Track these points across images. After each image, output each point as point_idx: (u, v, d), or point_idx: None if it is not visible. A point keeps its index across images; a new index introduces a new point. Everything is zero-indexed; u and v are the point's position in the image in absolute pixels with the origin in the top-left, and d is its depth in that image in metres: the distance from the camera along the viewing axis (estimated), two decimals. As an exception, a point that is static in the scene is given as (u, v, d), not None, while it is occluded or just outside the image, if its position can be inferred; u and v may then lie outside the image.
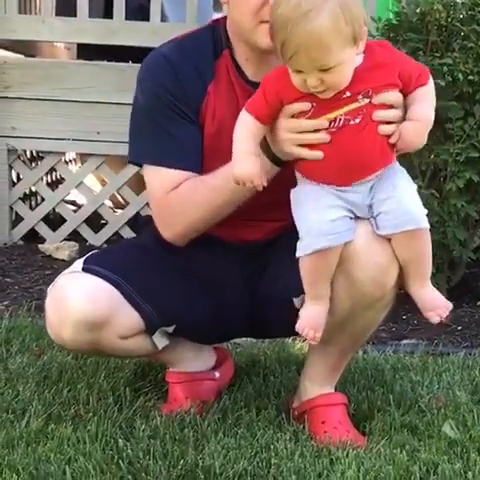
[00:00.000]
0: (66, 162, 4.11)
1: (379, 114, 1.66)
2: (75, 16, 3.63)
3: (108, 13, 3.90)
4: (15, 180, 3.73)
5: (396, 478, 1.69)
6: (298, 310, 1.81)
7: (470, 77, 2.78)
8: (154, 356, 2.02)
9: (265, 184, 1.70)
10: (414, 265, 1.75)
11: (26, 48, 3.93)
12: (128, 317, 1.86)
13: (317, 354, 1.95)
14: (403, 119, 1.69)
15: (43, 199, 3.74)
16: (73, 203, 4.17)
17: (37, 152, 3.80)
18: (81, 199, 4.06)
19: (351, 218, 1.72)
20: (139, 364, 2.24)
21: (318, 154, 1.68)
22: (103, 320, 1.81)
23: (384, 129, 1.67)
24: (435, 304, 1.78)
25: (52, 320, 1.85)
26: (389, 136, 1.68)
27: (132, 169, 3.54)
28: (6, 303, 2.87)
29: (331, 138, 1.66)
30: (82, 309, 1.79)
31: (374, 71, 1.65)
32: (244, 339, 2.52)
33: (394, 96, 1.67)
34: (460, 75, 2.76)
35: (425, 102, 1.69)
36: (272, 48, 1.69)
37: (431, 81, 1.71)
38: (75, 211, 3.82)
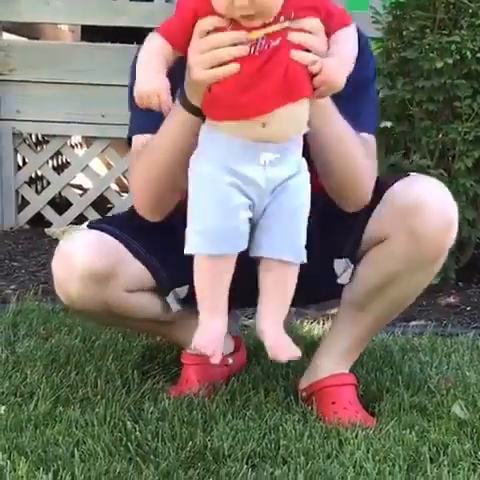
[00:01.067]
0: (72, 146, 4.09)
1: (296, 36, 1.49)
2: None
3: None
4: (21, 164, 3.72)
5: (405, 459, 1.68)
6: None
7: (478, 55, 2.75)
8: (172, 334, 2.00)
9: (170, 105, 1.49)
10: (278, 300, 1.60)
11: (30, 31, 3.91)
12: (135, 270, 1.84)
13: (346, 324, 1.93)
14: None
15: (49, 183, 3.73)
16: (79, 187, 4.16)
17: (42, 136, 3.78)
18: (86, 183, 4.05)
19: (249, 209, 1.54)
20: (147, 347, 2.24)
21: (234, 66, 1.45)
22: (108, 271, 1.79)
23: (299, 54, 1.49)
24: (283, 350, 1.60)
25: (59, 277, 1.83)
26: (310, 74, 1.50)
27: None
28: (13, 287, 2.87)
29: (248, 67, 1.45)
30: (87, 261, 1.77)
31: None
32: (252, 321, 2.52)
33: (313, 22, 1.51)
34: (468, 53, 2.73)
35: (346, 43, 1.54)
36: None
37: (354, 24, 1.57)
38: (81, 195, 3.81)
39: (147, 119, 1.74)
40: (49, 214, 3.66)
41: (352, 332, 1.94)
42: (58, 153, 3.81)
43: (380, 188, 1.85)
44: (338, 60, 1.53)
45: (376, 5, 2.99)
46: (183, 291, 1.91)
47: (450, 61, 2.71)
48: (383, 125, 2.75)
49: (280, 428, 1.79)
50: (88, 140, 3.86)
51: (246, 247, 1.56)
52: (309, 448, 1.71)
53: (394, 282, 1.84)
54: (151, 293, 1.90)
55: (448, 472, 1.63)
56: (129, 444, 1.68)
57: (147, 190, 1.76)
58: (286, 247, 1.56)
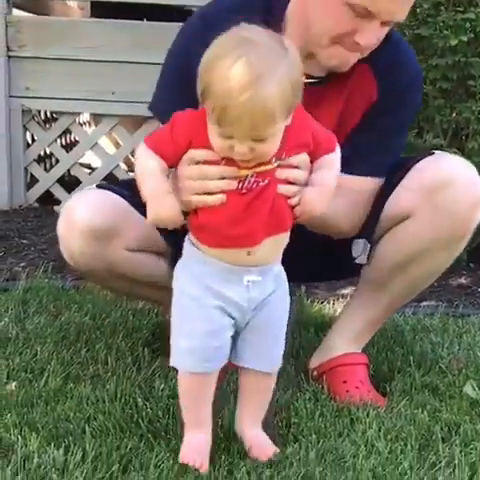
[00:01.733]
0: (81, 124, 4.07)
1: (283, 173, 1.53)
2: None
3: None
4: (30, 142, 3.70)
5: (417, 438, 1.68)
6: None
7: (494, 33, 2.72)
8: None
9: (184, 221, 1.52)
10: (257, 403, 1.64)
11: (39, 7, 3.87)
12: (137, 227, 1.83)
13: (363, 303, 1.92)
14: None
15: (58, 161, 3.71)
16: (88, 166, 4.14)
17: (51, 113, 3.76)
18: (95, 162, 4.04)
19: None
20: (157, 325, 2.23)
21: (220, 197, 1.49)
22: (109, 228, 1.80)
23: (284, 188, 1.52)
24: (263, 450, 1.60)
25: (62, 235, 1.85)
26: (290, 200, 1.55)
27: (147, 129, 3.50)
28: (23, 264, 2.87)
29: (235, 202, 1.50)
30: (87, 218, 1.79)
31: (289, 134, 1.51)
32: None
33: (301, 158, 1.55)
34: (483, 30, 2.70)
35: (330, 170, 1.57)
36: (332, 69, 1.68)
37: (338, 148, 1.60)
38: (90, 173, 3.80)
39: (162, 99, 1.80)
40: (58, 192, 3.65)
41: (367, 313, 1.93)
42: (67, 131, 3.79)
43: (401, 166, 1.84)
44: (318, 190, 1.55)
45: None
46: None
47: (464, 39, 2.68)
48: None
49: (291, 407, 1.79)
50: (97, 118, 3.84)
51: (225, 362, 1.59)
52: (320, 427, 1.71)
53: (417, 260, 1.82)
54: (154, 255, 1.90)
55: (460, 452, 1.63)
56: (140, 421, 1.68)
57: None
58: (265, 360, 1.62)
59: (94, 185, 1.93)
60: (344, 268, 1.96)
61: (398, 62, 1.82)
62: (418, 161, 1.83)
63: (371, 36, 1.68)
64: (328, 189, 1.56)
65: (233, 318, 1.57)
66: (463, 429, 1.71)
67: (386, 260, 1.87)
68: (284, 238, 1.58)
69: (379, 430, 1.70)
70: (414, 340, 2.20)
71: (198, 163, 1.50)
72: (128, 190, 1.85)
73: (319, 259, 1.97)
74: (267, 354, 1.63)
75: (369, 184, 1.84)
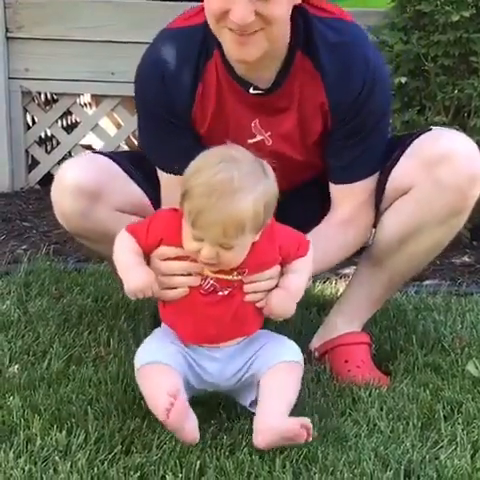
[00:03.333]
0: (81, 105, 4.05)
1: (251, 287, 1.62)
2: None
3: None
4: (30, 123, 3.68)
5: (420, 417, 1.68)
6: None
7: (496, 8, 2.68)
8: None
9: (160, 293, 1.62)
10: (281, 394, 1.60)
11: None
12: (126, 190, 1.89)
13: (363, 281, 1.94)
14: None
15: (59, 143, 3.70)
16: (89, 147, 4.12)
17: (51, 94, 3.74)
18: (96, 144, 4.02)
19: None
20: (159, 306, 2.23)
21: (183, 290, 1.61)
22: (96, 186, 1.84)
23: (250, 297, 1.62)
24: (295, 433, 1.53)
25: (54, 195, 1.91)
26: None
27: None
28: (24, 247, 2.86)
29: (196, 300, 1.61)
30: (77, 176, 1.85)
31: (254, 253, 1.58)
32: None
33: (267, 274, 1.63)
34: (485, 6, 2.66)
35: (298, 273, 1.65)
36: (243, 62, 1.68)
37: (310, 252, 1.66)
38: (91, 154, 3.78)
39: (153, 146, 1.88)
40: (59, 174, 3.64)
41: (368, 291, 1.93)
42: (68, 113, 3.76)
43: (403, 141, 1.84)
44: (284, 294, 1.63)
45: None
46: None
47: (467, 14, 2.65)
48: (397, 81, 2.69)
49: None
50: (97, 99, 3.81)
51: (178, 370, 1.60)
52: (323, 406, 1.71)
53: (415, 236, 1.82)
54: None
55: (462, 430, 1.63)
56: (142, 402, 1.68)
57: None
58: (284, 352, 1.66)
59: (89, 151, 1.99)
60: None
61: (346, 67, 1.74)
62: (418, 136, 1.83)
63: (243, 10, 1.59)
64: (295, 293, 1.65)
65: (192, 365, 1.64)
66: (465, 408, 1.71)
67: (385, 236, 1.87)
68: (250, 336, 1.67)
69: (381, 409, 1.70)
70: (417, 319, 2.19)
71: (167, 259, 1.61)
72: (119, 155, 1.94)
73: None
74: (281, 347, 1.66)
75: (363, 188, 1.85)
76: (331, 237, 1.83)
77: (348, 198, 1.84)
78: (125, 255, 1.63)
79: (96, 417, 1.64)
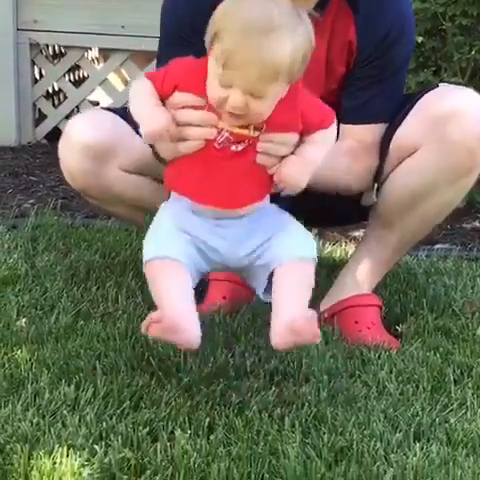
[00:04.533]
0: (91, 60, 3.99)
1: (265, 146, 1.50)
2: None
3: None
4: (38, 77, 3.64)
5: (429, 380, 1.67)
6: None
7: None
8: None
9: (179, 134, 1.50)
10: (296, 294, 1.53)
11: None
12: (134, 148, 1.83)
13: (372, 243, 1.91)
14: None
15: (66, 97, 3.65)
16: (96, 104, 4.07)
17: (59, 47, 3.69)
18: (103, 100, 3.97)
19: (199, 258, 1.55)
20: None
21: (198, 143, 1.49)
22: (104, 145, 1.83)
23: (262, 159, 1.51)
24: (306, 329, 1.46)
25: (61, 152, 1.89)
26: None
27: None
28: (31, 201, 2.84)
29: (210, 154, 1.50)
30: (84, 134, 1.83)
31: (278, 110, 1.48)
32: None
33: (284, 138, 1.52)
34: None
35: (316, 145, 1.54)
36: None
37: (333, 127, 1.56)
38: (99, 110, 3.74)
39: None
40: (67, 129, 3.60)
41: (377, 253, 1.91)
42: (76, 67, 3.71)
43: (411, 99, 1.81)
44: (298, 162, 1.52)
45: None
46: None
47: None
48: (413, 40, 2.64)
49: (302, 347, 1.77)
50: (105, 54, 3.76)
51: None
52: (332, 367, 1.70)
53: (425, 196, 1.80)
54: (150, 179, 1.90)
55: (472, 394, 1.63)
56: (151, 359, 1.67)
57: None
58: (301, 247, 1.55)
59: (99, 107, 1.94)
60: (353, 211, 1.95)
61: (379, 10, 1.76)
62: (425, 94, 1.80)
63: None
64: (309, 162, 1.53)
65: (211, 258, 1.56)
66: (475, 372, 1.70)
67: (394, 196, 1.84)
68: (259, 204, 1.56)
69: (391, 372, 1.69)
70: (427, 283, 2.18)
71: (181, 108, 1.49)
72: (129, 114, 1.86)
73: (326, 203, 1.94)
74: (298, 240, 1.55)
75: (371, 132, 1.82)
76: (337, 156, 1.74)
77: (355, 137, 1.82)
78: (141, 98, 1.52)
79: (104, 372, 1.63)
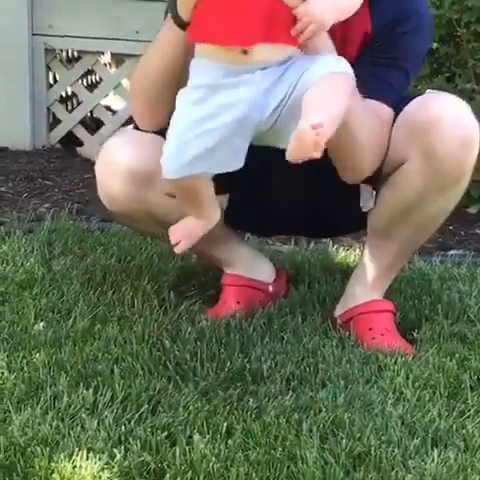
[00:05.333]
0: (105, 64, 4.01)
1: None
2: None
3: None
4: (52, 82, 3.66)
5: (446, 386, 1.67)
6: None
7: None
8: (210, 252, 1.98)
9: None
10: (325, 106, 1.47)
11: None
12: None
13: (374, 251, 1.91)
14: None
15: (79, 102, 3.67)
16: (108, 108, 4.09)
17: (73, 53, 3.71)
18: (116, 105, 3.99)
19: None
20: (183, 268, 2.22)
21: None
22: (151, 170, 1.76)
23: None
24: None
25: (101, 177, 1.85)
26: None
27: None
28: (47, 205, 2.85)
29: None
30: (130, 159, 1.79)
31: None
32: (286, 246, 2.49)
33: None
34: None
35: None
36: None
37: None
38: (113, 115, 3.75)
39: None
40: (81, 133, 3.61)
41: (380, 260, 1.91)
42: (90, 71, 3.73)
43: (399, 109, 1.78)
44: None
45: None
46: (223, 201, 1.87)
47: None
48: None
49: (318, 352, 1.78)
50: (120, 58, 3.78)
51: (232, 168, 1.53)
52: (348, 373, 1.71)
53: (416, 206, 1.79)
54: None
55: (489, 400, 1.63)
56: (168, 363, 1.68)
57: (141, 97, 1.78)
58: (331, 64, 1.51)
59: (131, 126, 1.90)
60: (356, 220, 1.94)
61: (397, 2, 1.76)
62: (409, 102, 1.77)
63: None
64: (341, 3, 1.51)
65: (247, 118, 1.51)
66: (492, 378, 1.71)
67: (387, 207, 1.84)
68: (284, 49, 1.51)
69: (407, 378, 1.70)
70: (442, 289, 2.18)
71: None
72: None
73: (329, 212, 1.94)
74: (327, 61, 1.52)
75: (386, 111, 1.77)
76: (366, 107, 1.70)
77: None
78: None
79: (122, 376, 1.64)
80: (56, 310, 1.94)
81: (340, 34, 1.72)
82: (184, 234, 1.65)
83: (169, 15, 1.65)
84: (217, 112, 1.52)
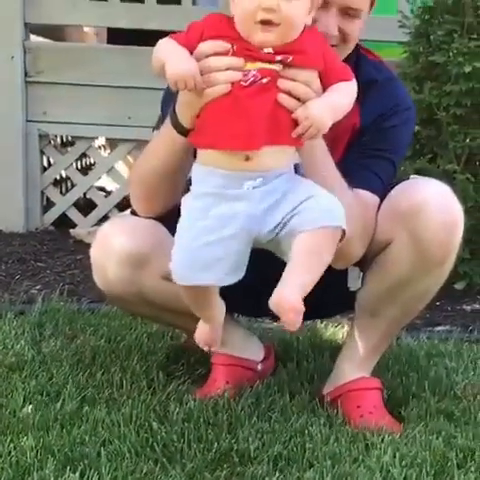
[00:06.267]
0: (98, 147, 4.11)
1: (286, 83, 1.54)
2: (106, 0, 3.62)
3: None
4: (46, 165, 3.74)
5: (432, 464, 1.67)
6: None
7: (507, 59, 2.73)
8: None
9: (204, 85, 1.52)
10: (306, 268, 1.55)
11: (55, 33, 3.93)
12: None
13: (362, 329, 1.93)
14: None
15: (73, 185, 3.75)
16: (102, 189, 4.17)
17: (67, 137, 3.81)
18: (109, 185, 4.07)
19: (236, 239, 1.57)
20: (172, 348, 2.24)
21: (225, 86, 1.51)
22: (146, 253, 1.80)
23: (284, 98, 1.53)
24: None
25: (96, 260, 1.87)
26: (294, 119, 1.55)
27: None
28: (38, 287, 2.89)
29: (237, 94, 1.52)
30: (123, 243, 1.81)
31: (303, 44, 1.54)
32: (275, 324, 2.51)
33: (308, 75, 1.55)
34: (496, 58, 2.72)
35: (340, 92, 1.58)
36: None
37: (354, 81, 1.61)
38: (105, 196, 3.83)
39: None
40: (74, 215, 3.68)
41: (368, 338, 1.94)
42: (84, 155, 3.83)
43: (384, 194, 1.83)
44: (324, 103, 1.56)
45: (404, 9, 2.98)
46: None
47: (478, 65, 2.70)
48: (409, 129, 2.73)
49: (306, 431, 1.78)
50: (113, 142, 3.88)
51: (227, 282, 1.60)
52: (335, 452, 1.71)
53: (402, 286, 1.83)
54: None
55: (475, 478, 1.63)
56: (155, 445, 1.68)
57: (139, 187, 1.83)
58: (326, 216, 1.56)
59: (128, 211, 1.96)
60: (343, 301, 1.97)
61: (382, 92, 1.84)
62: (393, 187, 1.83)
63: (330, 23, 1.70)
64: (335, 106, 1.56)
65: (243, 229, 1.56)
66: (478, 455, 1.70)
67: (374, 287, 1.88)
68: (287, 151, 1.57)
69: (394, 456, 1.69)
70: (429, 365, 2.19)
71: (207, 57, 1.53)
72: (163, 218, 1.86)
73: (317, 295, 1.98)
74: (324, 209, 1.56)
75: (372, 201, 1.83)
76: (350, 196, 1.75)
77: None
78: (168, 48, 1.54)
79: (109, 459, 1.63)
80: (45, 392, 1.94)
81: (330, 130, 1.80)
82: (206, 340, 1.75)
83: (168, 121, 1.68)
84: (220, 224, 1.56)
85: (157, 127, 1.86)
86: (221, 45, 1.54)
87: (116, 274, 1.83)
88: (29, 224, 3.61)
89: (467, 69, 2.73)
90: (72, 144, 3.76)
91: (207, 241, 1.56)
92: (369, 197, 1.82)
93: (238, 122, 1.52)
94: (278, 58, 1.53)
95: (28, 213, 3.61)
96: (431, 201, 1.77)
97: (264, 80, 1.53)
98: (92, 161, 4.07)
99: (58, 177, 3.80)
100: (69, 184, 3.88)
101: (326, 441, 1.75)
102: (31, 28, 3.65)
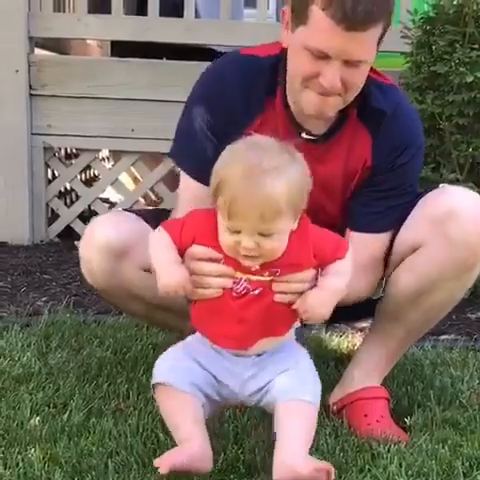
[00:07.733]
0: (102, 159, 4.13)
1: (280, 286, 1.60)
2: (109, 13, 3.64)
3: (141, 12, 3.92)
4: (51, 178, 3.76)
5: (439, 473, 1.67)
6: None
7: (509, 69, 2.75)
8: (189, 329, 2.01)
9: (193, 292, 1.62)
10: (299, 435, 1.60)
11: (59, 46, 3.96)
12: None
13: (378, 335, 1.95)
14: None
15: (78, 197, 3.77)
16: (106, 201, 4.19)
17: (72, 149, 3.83)
18: (114, 197, 4.09)
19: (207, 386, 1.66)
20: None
21: (216, 291, 1.60)
22: (126, 242, 1.86)
23: (279, 298, 1.61)
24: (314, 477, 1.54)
25: (82, 253, 1.94)
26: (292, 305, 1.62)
27: (167, 166, 3.56)
28: (45, 299, 2.90)
29: (229, 303, 1.60)
30: (106, 234, 1.87)
31: (291, 253, 1.58)
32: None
33: (299, 276, 1.61)
34: (498, 68, 2.73)
35: (337, 276, 1.63)
36: (313, 117, 1.75)
37: (349, 254, 1.64)
38: (109, 208, 3.84)
39: (184, 147, 1.88)
40: (79, 227, 3.69)
41: (384, 344, 1.95)
42: (88, 167, 3.84)
43: (414, 199, 1.88)
44: (323, 295, 1.61)
45: (406, 20, 3.00)
46: None
47: (480, 75, 2.72)
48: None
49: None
50: (116, 154, 3.90)
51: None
52: (342, 462, 1.71)
53: (429, 292, 1.85)
54: None
55: (482, 487, 1.63)
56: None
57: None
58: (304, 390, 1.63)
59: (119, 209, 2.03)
60: (360, 308, 1.98)
61: (397, 136, 1.85)
62: (426, 193, 1.88)
63: (333, 77, 1.70)
64: (333, 294, 1.62)
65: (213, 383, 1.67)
66: (485, 464, 1.71)
67: (399, 291, 1.90)
68: (281, 339, 1.64)
69: (400, 465, 1.70)
70: (434, 374, 2.20)
71: (199, 259, 1.60)
72: (152, 216, 1.93)
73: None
74: (303, 382, 1.64)
75: (382, 242, 1.89)
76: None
77: (367, 247, 1.87)
78: (161, 251, 1.62)
79: (116, 470, 1.64)
80: (52, 404, 1.95)
81: (342, 170, 1.85)
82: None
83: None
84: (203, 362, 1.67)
85: (173, 155, 1.93)
86: (214, 253, 1.59)
87: (100, 265, 1.89)
88: (34, 236, 3.62)
89: (469, 79, 2.74)
90: (76, 156, 3.77)
91: (183, 375, 1.65)
92: (384, 241, 1.89)
93: (231, 327, 1.61)
94: (266, 274, 1.58)
95: (33, 225, 3.63)
96: (467, 207, 1.82)
97: (256, 291, 1.59)
98: (96, 173, 4.09)
99: (63, 189, 3.81)
100: (74, 196, 3.89)
101: (333, 451, 1.75)
102: (36, 42, 3.68)
